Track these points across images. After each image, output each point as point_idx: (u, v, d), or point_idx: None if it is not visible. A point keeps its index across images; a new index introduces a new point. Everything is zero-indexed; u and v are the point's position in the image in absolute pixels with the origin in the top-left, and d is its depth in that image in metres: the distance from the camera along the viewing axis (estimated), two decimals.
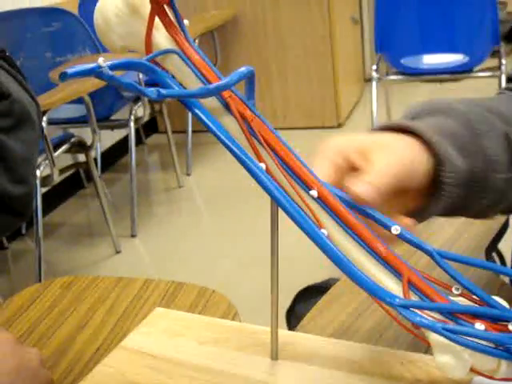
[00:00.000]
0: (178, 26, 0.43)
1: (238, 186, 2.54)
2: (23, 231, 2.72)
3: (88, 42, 2.51)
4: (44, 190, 2.73)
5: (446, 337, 0.37)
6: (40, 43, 2.57)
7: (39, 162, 1.98)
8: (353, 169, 0.45)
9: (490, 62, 2.64)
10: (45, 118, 1.97)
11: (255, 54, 3.45)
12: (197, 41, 2.95)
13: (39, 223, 2.09)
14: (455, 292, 0.39)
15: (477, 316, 0.38)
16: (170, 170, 3.11)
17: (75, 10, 2.82)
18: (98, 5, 0.44)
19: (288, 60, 3.42)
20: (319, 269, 1.41)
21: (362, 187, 0.41)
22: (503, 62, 2.55)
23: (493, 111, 0.55)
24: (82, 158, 2.54)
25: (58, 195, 2.98)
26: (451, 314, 0.38)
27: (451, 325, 0.38)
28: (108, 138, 3.36)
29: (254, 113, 0.41)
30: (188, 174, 3.11)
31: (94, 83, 2.00)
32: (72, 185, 3.10)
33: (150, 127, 3.63)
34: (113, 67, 0.38)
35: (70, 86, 2.01)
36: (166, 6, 0.42)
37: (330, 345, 0.48)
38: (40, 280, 2.06)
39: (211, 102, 0.42)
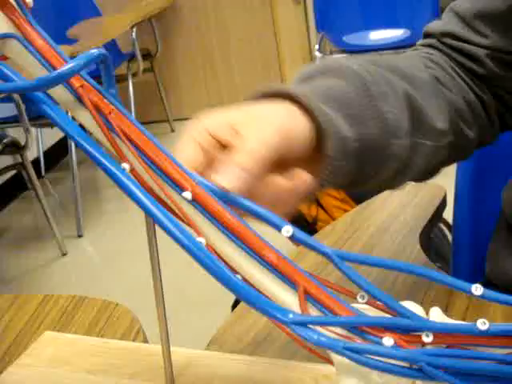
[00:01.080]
0: (16, 6, 0.35)
1: None
2: None
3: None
4: None
5: (348, 357, 0.31)
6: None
7: None
8: (224, 148, 0.39)
9: None
10: None
11: (197, 41, 3.36)
12: (134, 30, 2.85)
13: None
14: (360, 300, 0.33)
15: (386, 328, 0.32)
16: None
17: None
18: None
19: (231, 45, 3.34)
20: None
21: (229, 176, 0.35)
22: None
23: (393, 69, 0.49)
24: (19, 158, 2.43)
25: (0, 198, 2.86)
26: (354, 327, 0.32)
27: (357, 341, 0.32)
28: (50, 136, 3.24)
29: (115, 105, 0.34)
30: None
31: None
32: (15, 187, 2.98)
33: None
34: None
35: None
36: None
37: (236, 363, 0.42)
38: None
39: (61, 94, 0.35)
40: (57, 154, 3.27)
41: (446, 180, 0.83)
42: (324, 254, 0.34)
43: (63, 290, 2.17)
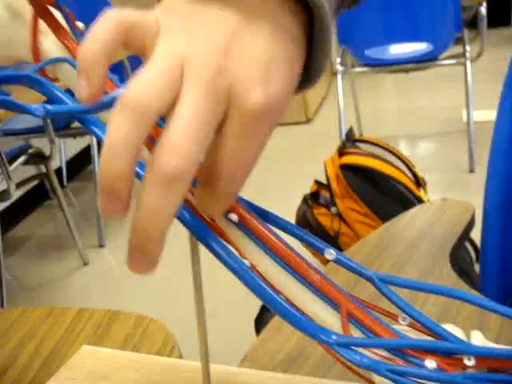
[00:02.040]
0: (68, 30, 0.37)
1: None
2: None
3: None
4: (8, 203, 2.65)
5: (391, 379, 0.31)
6: None
7: None
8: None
9: (455, 49, 2.61)
10: None
11: None
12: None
13: None
14: (402, 322, 0.34)
15: (427, 351, 0.32)
16: None
17: None
18: None
19: None
20: None
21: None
22: (467, 48, 2.52)
23: None
24: (44, 168, 2.46)
25: (23, 207, 2.90)
26: (398, 349, 0.33)
27: (399, 363, 0.32)
28: (73, 146, 3.28)
29: (160, 126, 0.35)
30: None
31: None
32: (38, 196, 3.02)
33: None
34: None
35: (24, 96, 1.93)
36: (51, 8, 0.36)
37: (274, 381, 0.43)
38: (2, 298, 1.98)
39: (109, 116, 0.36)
40: (78, 164, 3.31)
41: (475, 198, 0.83)
42: (366, 277, 0.34)
43: (85, 299, 2.19)
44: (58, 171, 3.05)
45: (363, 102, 3.07)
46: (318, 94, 3.62)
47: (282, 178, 2.77)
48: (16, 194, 2.03)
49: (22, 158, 2.08)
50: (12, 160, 2.03)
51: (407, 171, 1.75)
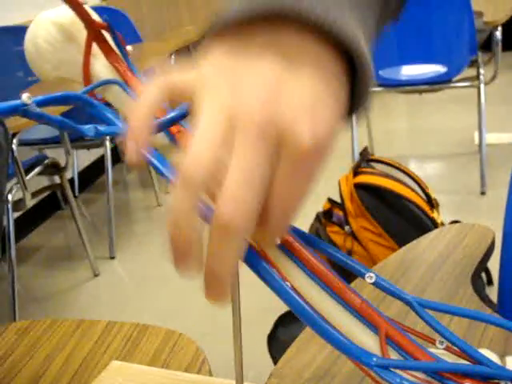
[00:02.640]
0: (119, 53, 0.38)
1: None
2: None
3: None
4: (19, 212, 2.67)
5: None
6: (11, 63, 2.51)
7: (10, 187, 1.92)
8: None
9: (469, 72, 2.62)
10: (15, 141, 1.91)
11: None
12: (173, 57, 2.91)
13: (12, 248, 2.03)
14: (439, 346, 0.35)
15: (465, 375, 0.33)
16: (149, 188, 3.06)
17: None
18: (28, 30, 0.39)
19: None
20: None
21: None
22: (481, 71, 2.53)
23: None
24: (58, 179, 2.48)
25: (34, 217, 2.91)
26: (436, 373, 0.33)
27: None
28: (85, 157, 3.30)
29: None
30: (167, 192, 3.05)
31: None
32: (49, 206, 3.04)
33: None
34: (41, 103, 0.33)
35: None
36: (104, 32, 0.37)
37: None
38: (14, 307, 1.99)
39: (159, 139, 0.37)
40: (90, 176, 3.33)
41: (486, 221, 0.84)
42: (405, 300, 0.35)
43: (95, 310, 2.20)
44: (71, 182, 3.07)
45: (374, 122, 3.09)
46: None
47: None
48: (29, 204, 2.05)
49: (38, 169, 2.10)
50: (28, 170, 2.05)
51: (421, 192, 1.76)
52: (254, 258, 0.35)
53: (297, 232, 0.36)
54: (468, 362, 0.34)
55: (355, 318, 0.35)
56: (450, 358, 0.35)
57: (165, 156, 0.37)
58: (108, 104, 0.39)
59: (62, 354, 0.60)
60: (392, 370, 0.33)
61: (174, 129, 0.36)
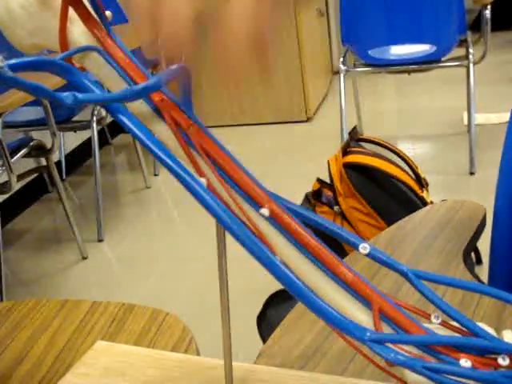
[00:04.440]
0: (97, 19, 0.36)
1: None
2: None
3: None
4: (5, 196, 2.64)
5: (428, 377, 0.31)
6: None
7: None
8: None
9: (458, 52, 2.61)
10: None
11: None
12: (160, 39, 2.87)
13: None
14: (435, 321, 0.34)
15: (461, 349, 0.32)
16: (136, 170, 3.03)
17: None
18: None
19: None
20: None
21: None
22: (471, 51, 2.52)
23: None
24: (44, 161, 2.45)
25: (22, 200, 2.89)
26: (429, 347, 0.32)
27: (433, 362, 0.32)
28: (73, 140, 3.27)
29: (193, 119, 0.35)
30: (156, 175, 3.03)
31: (51, 84, 1.91)
32: (36, 189, 3.01)
33: (116, 127, 3.54)
34: (15, 67, 0.31)
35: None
36: None
37: (291, 378, 0.42)
38: (1, 292, 1.97)
39: (140, 107, 0.35)
40: (77, 158, 3.30)
41: (475, 200, 0.83)
42: (400, 271, 0.34)
43: (83, 293, 2.18)
44: (57, 165, 3.04)
45: (363, 102, 3.07)
46: (319, 92, 3.61)
47: (283, 175, 2.76)
48: (15, 187, 2.02)
49: (23, 151, 2.07)
50: (13, 152, 2.02)
51: (410, 172, 1.75)
52: (243, 232, 0.33)
53: (287, 204, 0.35)
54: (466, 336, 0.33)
55: (347, 292, 0.34)
56: (446, 333, 0.34)
57: (146, 125, 0.36)
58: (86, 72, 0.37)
59: (45, 335, 0.58)
60: (386, 344, 0.32)
61: (155, 96, 0.35)
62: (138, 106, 0.35)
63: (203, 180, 0.34)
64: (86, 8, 0.36)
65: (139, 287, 2.16)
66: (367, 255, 0.34)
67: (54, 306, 0.62)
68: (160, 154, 0.34)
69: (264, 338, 1.40)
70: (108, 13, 0.38)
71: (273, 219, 0.34)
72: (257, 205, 0.34)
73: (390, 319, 0.33)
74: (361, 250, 0.34)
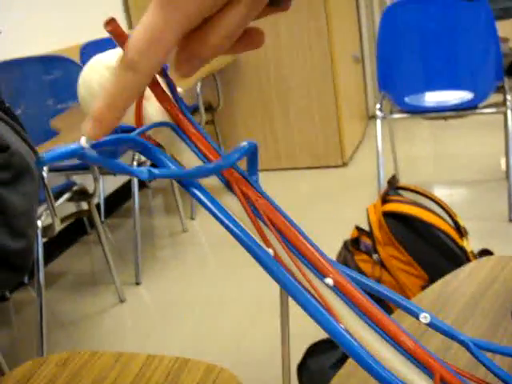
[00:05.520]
0: (171, 96, 0.39)
1: None
2: (26, 281, 2.67)
3: None
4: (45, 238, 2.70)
5: None
6: (41, 91, 2.56)
7: (40, 212, 1.94)
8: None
9: (495, 98, 2.61)
10: (45, 167, 1.94)
11: (258, 95, 3.44)
12: (199, 84, 2.94)
13: (40, 273, 2.04)
14: None
15: None
16: (174, 214, 3.07)
17: (76, 57, 2.82)
18: (81, 74, 0.40)
19: (290, 100, 3.41)
20: None
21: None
22: (508, 97, 2.52)
23: None
24: (84, 204, 2.51)
25: (60, 242, 2.94)
26: None
27: None
28: (112, 183, 3.33)
29: (260, 192, 0.37)
30: (192, 218, 3.07)
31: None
32: (75, 231, 3.07)
33: None
34: (97, 146, 0.34)
35: (72, 134, 1.99)
36: (157, 74, 0.38)
37: None
38: (41, 332, 2.00)
39: (210, 181, 0.37)
40: (116, 201, 3.36)
41: None
42: (461, 342, 0.35)
43: (121, 337, 2.20)
44: (97, 207, 3.10)
45: (399, 147, 3.08)
46: (354, 137, 3.64)
47: (319, 221, 2.77)
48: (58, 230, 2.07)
49: (66, 195, 2.12)
50: (57, 196, 2.07)
51: (449, 220, 1.75)
52: (308, 301, 0.35)
53: (350, 274, 0.36)
54: None
55: (409, 360, 0.35)
56: None
57: (216, 198, 0.38)
58: (160, 146, 0.40)
59: None
60: None
61: (225, 171, 0.37)
62: (209, 180, 0.37)
63: (270, 250, 0.36)
64: (160, 86, 0.39)
65: (176, 331, 2.17)
66: (428, 325, 0.35)
67: (109, 358, 0.64)
68: (230, 225, 0.36)
69: None
70: (179, 89, 0.41)
71: (337, 288, 0.35)
72: (321, 274, 0.36)
73: None
74: (421, 319, 0.35)
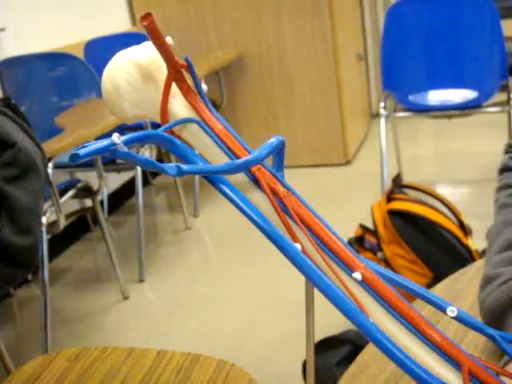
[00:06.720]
0: (196, 92, 0.39)
1: (246, 227, 2.49)
2: (29, 278, 2.67)
3: (94, 85, 2.50)
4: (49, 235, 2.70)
5: None
6: (46, 88, 2.56)
7: (45, 209, 1.94)
8: None
9: (499, 96, 2.61)
10: (50, 164, 1.94)
11: (261, 93, 3.44)
12: (202, 81, 2.94)
13: (45, 270, 2.05)
14: None
15: None
16: (177, 211, 3.07)
17: (80, 54, 2.82)
18: (106, 69, 0.40)
19: (294, 98, 3.41)
20: (335, 319, 1.36)
21: None
22: None
23: None
24: (88, 201, 2.51)
25: (64, 239, 2.94)
26: None
27: None
28: (115, 180, 3.33)
29: (287, 187, 0.37)
30: (196, 216, 3.07)
31: (100, 128, 1.97)
32: (78, 228, 3.07)
33: None
34: (128, 142, 0.34)
35: (77, 132, 1.99)
36: (183, 71, 0.38)
37: None
38: (46, 329, 2.00)
39: (238, 177, 0.38)
40: (119, 198, 3.36)
41: None
42: (488, 335, 0.35)
43: (124, 334, 2.20)
44: (100, 204, 3.11)
45: (402, 146, 3.08)
46: (357, 136, 3.64)
47: None
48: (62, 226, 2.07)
49: (71, 192, 2.13)
50: (61, 193, 2.07)
51: (454, 218, 1.75)
52: (336, 294, 0.35)
53: (377, 269, 0.37)
54: None
55: (436, 353, 0.35)
56: None
57: (243, 193, 0.38)
58: (186, 143, 0.40)
59: (113, 383, 0.60)
60: None
61: (253, 168, 0.37)
62: (237, 176, 0.38)
63: (298, 245, 0.36)
64: (187, 82, 0.39)
65: (179, 329, 2.18)
66: (455, 318, 0.36)
67: (120, 353, 0.64)
68: (258, 220, 0.36)
69: None
70: (204, 86, 0.41)
71: (364, 283, 0.36)
72: (349, 269, 0.36)
73: (479, 380, 0.34)
74: (448, 313, 0.36)
